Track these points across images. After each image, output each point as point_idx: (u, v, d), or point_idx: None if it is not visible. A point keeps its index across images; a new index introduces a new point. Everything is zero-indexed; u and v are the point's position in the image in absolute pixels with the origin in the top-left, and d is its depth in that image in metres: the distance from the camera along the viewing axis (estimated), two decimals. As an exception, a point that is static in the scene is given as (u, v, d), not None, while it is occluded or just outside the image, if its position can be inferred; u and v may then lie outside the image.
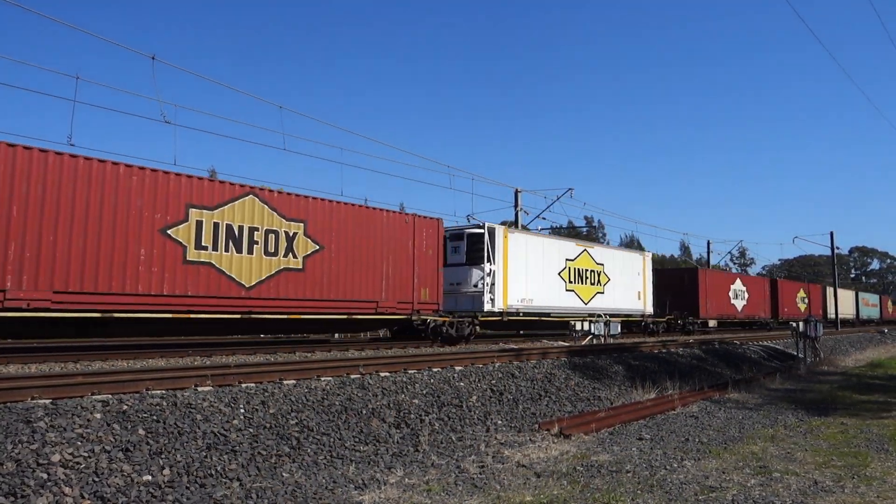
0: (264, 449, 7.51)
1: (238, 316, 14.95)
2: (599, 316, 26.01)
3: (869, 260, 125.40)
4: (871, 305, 66.79)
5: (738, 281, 40.06)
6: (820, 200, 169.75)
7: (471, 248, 21.55)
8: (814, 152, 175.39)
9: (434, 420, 9.78)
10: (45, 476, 5.76)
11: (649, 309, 30.08)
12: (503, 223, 32.92)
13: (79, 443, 6.32)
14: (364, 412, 9.19)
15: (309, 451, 7.85)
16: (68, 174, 12.62)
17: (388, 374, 10.95)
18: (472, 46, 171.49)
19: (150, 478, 6.31)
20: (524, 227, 25.43)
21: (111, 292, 12.97)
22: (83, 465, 6.09)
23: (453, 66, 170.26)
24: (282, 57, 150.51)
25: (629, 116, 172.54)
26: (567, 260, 25.21)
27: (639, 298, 29.46)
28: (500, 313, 21.48)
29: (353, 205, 17.79)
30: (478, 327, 20.73)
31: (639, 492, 6.73)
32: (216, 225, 14.67)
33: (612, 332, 23.90)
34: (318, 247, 16.63)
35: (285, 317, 15.91)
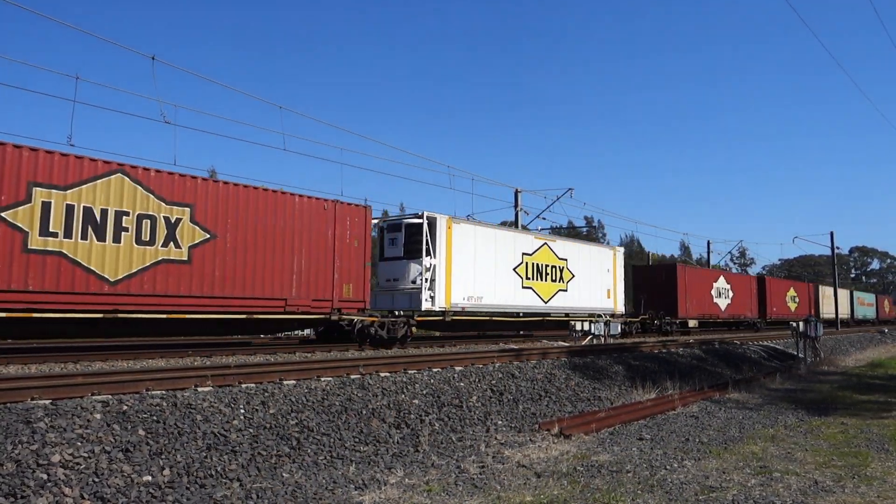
0: (264, 449, 7.51)
1: (99, 315, 12.89)
2: (561, 315, 24.77)
3: (869, 260, 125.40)
4: (866, 305, 65.57)
5: (722, 278, 38.15)
6: (820, 200, 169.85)
7: (409, 241, 19.75)
8: (814, 152, 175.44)
9: (434, 420, 9.78)
10: (45, 476, 5.76)
11: (620, 308, 28.29)
12: (503, 223, 32.83)
13: (79, 443, 6.32)
14: (364, 412, 9.19)
15: (309, 451, 7.85)
16: None
17: (388, 374, 10.95)
18: (473, 47, 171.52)
19: (150, 478, 6.31)
20: (470, 218, 22.77)
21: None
22: (83, 466, 6.09)
23: (453, 66, 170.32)
24: (282, 57, 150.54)
25: (629, 116, 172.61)
26: (524, 254, 23.32)
27: (608, 297, 27.67)
28: (442, 312, 19.72)
29: (255, 187, 15.61)
30: (414, 328, 18.78)
31: (639, 492, 6.72)
32: (70, 208, 12.54)
33: (612, 333, 23.91)
34: (208, 235, 14.48)
35: (164, 316, 13.82)
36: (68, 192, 12.61)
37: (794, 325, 21.82)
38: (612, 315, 27.39)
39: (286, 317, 16.07)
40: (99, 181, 13.04)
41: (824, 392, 15.56)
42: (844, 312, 55.69)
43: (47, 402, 7.04)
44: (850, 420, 11.47)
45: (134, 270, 13.36)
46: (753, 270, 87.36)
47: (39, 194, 12.27)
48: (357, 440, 8.53)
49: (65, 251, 12.50)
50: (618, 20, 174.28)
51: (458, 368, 12.29)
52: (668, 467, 7.83)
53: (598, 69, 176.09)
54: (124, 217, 13.30)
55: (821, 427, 10.79)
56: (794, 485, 7.03)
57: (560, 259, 25.17)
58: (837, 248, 52.36)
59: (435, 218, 19.75)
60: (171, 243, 13.93)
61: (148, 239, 13.60)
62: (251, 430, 7.74)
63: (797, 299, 48.34)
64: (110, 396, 7.51)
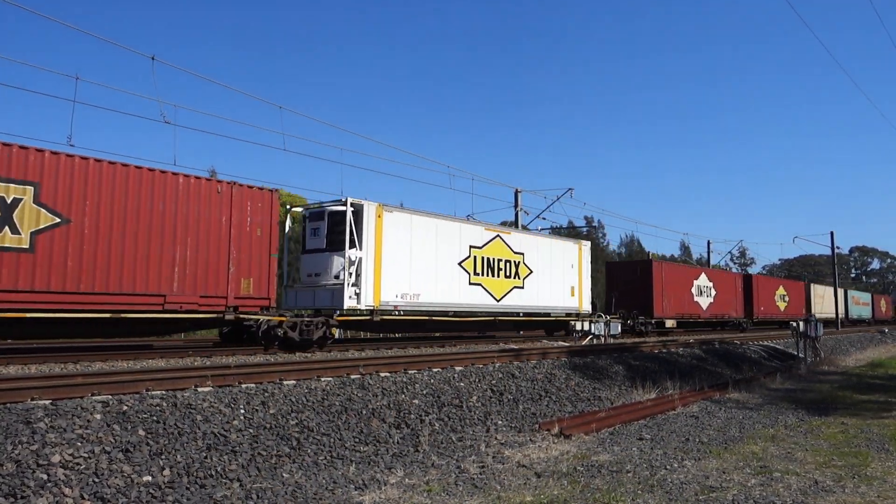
0: (264, 449, 7.51)
1: None
2: (515, 315, 22.77)
3: (869, 260, 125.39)
4: (861, 304, 63.26)
5: (704, 276, 35.74)
6: (820, 200, 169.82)
7: (332, 231, 17.63)
8: (814, 152, 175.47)
9: (434, 420, 9.78)
10: (45, 477, 5.76)
11: (586, 307, 25.97)
12: (503, 223, 32.73)
13: (79, 443, 6.32)
14: (364, 412, 9.19)
15: (309, 451, 7.85)
16: None
17: (388, 374, 10.95)
18: (473, 47, 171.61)
19: (150, 478, 6.31)
20: (402, 207, 20.14)
21: None
22: (83, 466, 6.09)
23: (453, 66, 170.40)
24: (282, 57, 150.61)
25: (629, 116, 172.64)
26: (472, 247, 21.11)
27: (572, 295, 25.28)
28: (370, 311, 17.68)
29: (124, 164, 13.46)
30: (335, 329, 16.72)
31: (639, 492, 6.72)
32: None
33: (612, 332, 23.91)
34: (58, 219, 12.37)
35: None
36: None
37: (795, 324, 21.83)
38: (577, 315, 25.28)
39: (166, 316, 13.82)
40: None
41: (824, 392, 15.56)
42: (838, 311, 53.45)
43: (47, 402, 7.04)
44: (850, 420, 11.47)
45: None
46: (754, 270, 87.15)
47: None
48: (357, 440, 8.53)
49: None
50: (618, 20, 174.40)
51: (458, 368, 12.29)
52: (668, 467, 7.83)
53: (598, 69, 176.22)
54: None
55: (821, 427, 10.79)
56: (795, 485, 7.03)
57: (515, 253, 22.90)
58: (837, 247, 52.37)
59: (361, 205, 17.68)
60: (7, 228, 11.78)
61: (-29, 222, 11.42)
62: (251, 431, 7.74)
63: (787, 298, 46.72)
64: (110, 396, 7.51)
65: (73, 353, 13.10)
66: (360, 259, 17.43)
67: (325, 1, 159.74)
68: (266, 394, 8.67)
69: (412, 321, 19.47)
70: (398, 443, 8.85)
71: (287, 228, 19.03)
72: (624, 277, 31.18)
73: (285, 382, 9.43)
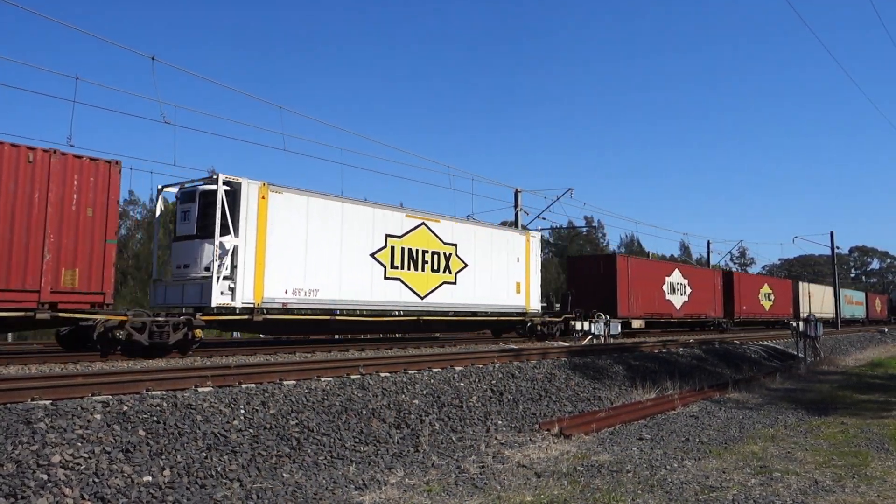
0: (265, 449, 7.51)
1: None
2: (445, 314, 20.29)
3: (869, 260, 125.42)
4: (855, 304, 60.33)
5: (677, 272, 33.02)
6: (820, 200, 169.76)
7: (203, 214, 15.01)
8: (814, 152, 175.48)
9: (434, 420, 9.79)
10: (45, 477, 5.76)
11: (535, 305, 23.51)
12: (503, 223, 32.67)
13: (79, 444, 6.32)
14: (364, 412, 9.20)
15: (309, 451, 7.86)
16: None
17: (388, 374, 10.96)
18: (473, 47, 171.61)
19: (150, 479, 6.32)
20: (297, 188, 16.84)
21: None
22: (83, 466, 6.09)
23: (453, 66, 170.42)
24: (282, 57, 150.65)
25: (629, 116, 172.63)
26: (389, 236, 18.62)
27: (518, 291, 22.80)
28: (250, 310, 15.08)
29: None
30: (200, 331, 14.02)
31: (639, 492, 6.73)
32: None
33: (611, 332, 23.87)
34: None
35: None
36: None
37: (795, 324, 21.86)
38: (523, 314, 22.89)
39: None
40: None
41: (824, 392, 15.57)
42: (829, 311, 51.42)
43: (47, 402, 7.04)
44: (850, 420, 11.47)
45: None
46: (754, 270, 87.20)
47: None
48: (357, 440, 8.53)
49: None
50: (618, 20, 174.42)
51: (458, 368, 12.30)
52: (668, 467, 7.83)
53: (598, 69, 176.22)
54: None
55: (821, 427, 10.79)
56: (795, 484, 7.03)
57: (446, 244, 20.33)
58: (837, 247, 52.47)
59: (239, 183, 15.09)
60: None
61: None
62: (251, 431, 7.74)
63: (772, 297, 44.15)
64: (110, 397, 7.51)
65: (73, 353, 13.12)
66: (236, 247, 14.83)
67: (325, 1, 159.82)
68: (266, 394, 8.68)
69: (309, 321, 16.88)
70: (398, 443, 8.85)
71: (158, 212, 16.95)
72: (586, 273, 29.00)
73: (285, 382, 9.44)
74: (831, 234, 50.68)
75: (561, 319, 24.63)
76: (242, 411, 8.03)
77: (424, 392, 10.49)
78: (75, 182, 12.58)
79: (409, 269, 19.09)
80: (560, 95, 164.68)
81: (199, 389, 8.47)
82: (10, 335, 18.86)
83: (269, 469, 7.24)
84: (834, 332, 40.30)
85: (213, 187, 14.83)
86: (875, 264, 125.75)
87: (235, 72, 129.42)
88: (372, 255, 18.11)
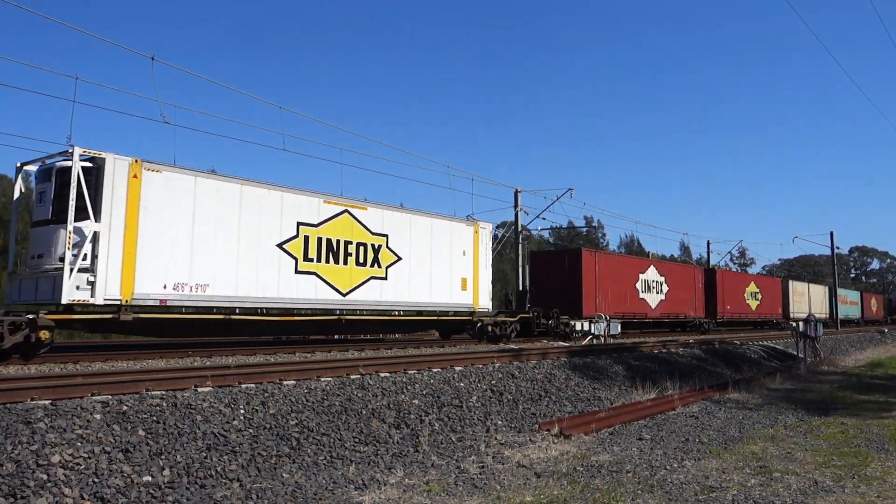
0: (264, 449, 7.51)
1: None
2: (380, 314, 18.39)
3: (869, 260, 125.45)
4: (849, 304, 58.26)
5: (652, 269, 30.89)
6: (820, 200, 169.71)
7: (59, 196, 12.87)
8: (814, 152, 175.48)
9: (434, 420, 9.78)
10: (44, 477, 5.76)
11: (485, 303, 21.31)
12: (503, 223, 32.56)
13: (79, 444, 6.32)
14: (364, 412, 9.19)
15: (309, 451, 7.86)
16: None
17: (387, 374, 10.96)
18: (472, 47, 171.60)
19: (150, 478, 6.31)
20: (181, 167, 14.43)
21: None
22: (83, 466, 6.09)
23: (453, 66, 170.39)
24: (282, 57, 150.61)
25: (629, 116, 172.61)
26: (304, 225, 16.37)
27: (464, 288, 20.58)
28: (116, 307, 12.89)
29: None
30: (46, 333, 11.73)
31: (639, 492, 6.73)
32: None
33: (612, 332, 23.85)
34: None
35: None
36: None
37: (795, 325, 21.87)
38: (471, 313, 20.73)
39: None
40: None
41: (824, 392, 15.57)
42: (820, 311, 49.37)
43: (47, 402, 7.04)
44: (849, 420, 11.47)
45: None
46: (753, 270, 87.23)
47: None
48: (357, 440, 8.53)
49: None
50: (618, 20, 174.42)
51: (457, 368, 12.30)
52: (668, 467, 7.83)
53: (598, 69, 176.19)
54: None
55: (821, 427, 10.79)
56: (794, 485, 7.03)
57: (374, 234, 18.15)
58: (837, 248, 52.54)
59: (102, 159, 12.98)
60: None
61: None
62: (251, 431, 7.74)
63: (759, 296, 41.95)
64: (110, 397, 7.51)
65: (73, 353, 13.11)
66: (97, 234, 12.75)
67: (326, 1, 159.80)
68: (266, 394, 8.68)
69: (197, 322, 14.61)
70: (398, 443, 8.85)
71: (17, 193, 14.34)
72: (550, 270, 26.95)
73: (285, 382, 9.44)
74: (831, 234, 50.80)
75: (516, 319, 22.27)
76: (242, 411, 8.03)
77: (424, 392, 10.48)
78: None
79: (327, 262, 16.89)
80: (560, 95, 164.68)
81: (199, 389, 8.47)
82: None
83: (269, 469, 7.24)
84: (833, 332, 40.26)
85: (69, 163, 12.71)
86: (875, 264, 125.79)
87: (235, 72, 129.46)
88: (280, 246, 15.88)
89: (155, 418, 7.21)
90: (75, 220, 12.52)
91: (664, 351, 19.71)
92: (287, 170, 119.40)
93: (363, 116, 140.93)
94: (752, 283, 42.17)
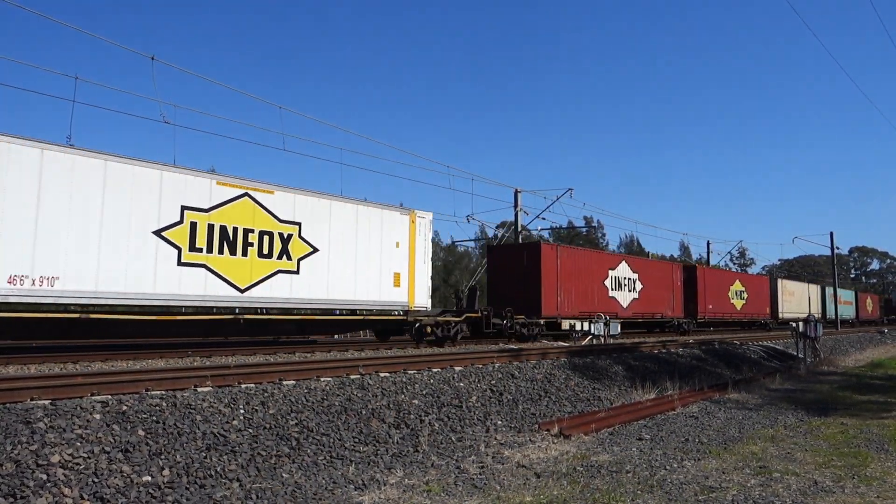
0: (264, 449, 7.51)
1: None
2: (290, 313, 16.52)
3: (869, 260, 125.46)
4: (843, 303, 56.62)
5: (624, 265, 28.90)
6: (820, 200, 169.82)
7: None
8: (814, 152, 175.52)
9: (434, 420, 9.78)
10: (44, 477, 5.76)
11: (422, 301, 19.33)
12: (502, 223, 32.58)
13: (78, 443, 6.32)
14: (364, 413, 9.19)
15: (309, 451, 7.85)
16: None
17: (387, 374, 10.96)
18: (472, 46, 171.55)
19: (149, 478, 6.31)
20: (23, 137, 12.25)
21: None
22: (83, 466, 6.08)
23: (453, 66, 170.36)
24: (282, 57, 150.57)
25: (629, 116, 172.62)
26: (190, 209, 14.30)
27: (397, 285, 18.62)
28: None
29: None
30: None
31: (639, 492, 6.72)
32: None
33: (612, 332, 23.81)
34: None
35: None
36: None
37: (795, 325, 21.87)
38: (405, 312, 18.89)
39: None
40: None
41: (824, 392, 15.57)
42: (813, 311, 47.60)
43: (47, 402, 7.04)
44: (849, 420, 11.47)
45: None
46: (753, 270, 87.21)
47: None
48: (357, 440, 8.53)
49: None
50: (618, 21, 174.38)
51: (457, 368, 12.30)
52: (667, 467, 7.83)
53: (598, 69, 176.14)
54: None
55: (820, 427, 10.79)
56: (794, 485, 7.03)
57: (283, 222, 16.01)
58: (837, 248, 52.48)
59: None
60: None
61: None
62: (251, 431, 7.74)
63: (745, 295, 39.88)
64: (110, 397, 7.51)
65: (73, 353, 13.11)
66: None
67: (325, 1, 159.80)
68: (266, 394, 8.68)
69: (45, 321, 12.54)
70: (398, 443, 8.85)
71: None
72: (508, 266, 24.92)
73: (285, 382, 9.44)
74: (831, 234, 50.78)
75: (462, 319, 19.97)
76: (242, 411, 8.03)
77: (424, 392, 10.48)
78: None
79: (220, 252, 14.70)
80: (560, 95, 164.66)
81: (199, 389, 8.46)
82: None
83: (269, 469, 7.24)
84: (833, 332, 40.21)
85: None
86: (875, 265, 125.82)
87: (235, 72, 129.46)
88: (158, 234, 13.77)
89: (154, 418, 7.21)
90: None
91: (664, 351, 19.71)
92: (287, 170, 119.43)
93: (363, 116, 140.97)
94: (738, 281, 40.00)
